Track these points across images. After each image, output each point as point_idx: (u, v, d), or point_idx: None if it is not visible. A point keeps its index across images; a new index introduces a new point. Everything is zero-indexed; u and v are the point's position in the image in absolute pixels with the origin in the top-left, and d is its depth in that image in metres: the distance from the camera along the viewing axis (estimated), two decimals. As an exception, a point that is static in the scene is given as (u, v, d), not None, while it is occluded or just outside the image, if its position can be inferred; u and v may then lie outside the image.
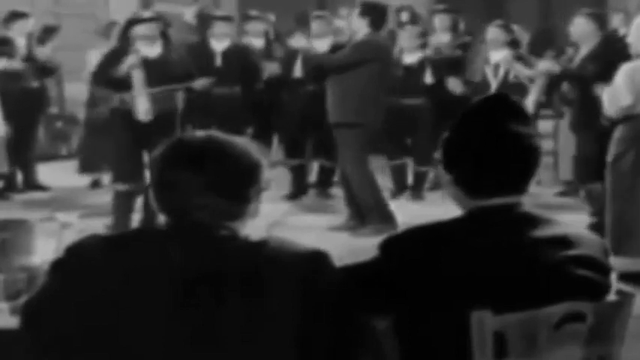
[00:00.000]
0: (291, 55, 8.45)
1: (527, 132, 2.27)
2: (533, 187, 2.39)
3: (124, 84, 6.71)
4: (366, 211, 7.10)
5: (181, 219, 2.11)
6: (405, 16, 9.69)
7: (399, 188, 8.50)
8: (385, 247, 2.26)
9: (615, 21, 10.42)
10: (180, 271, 2.03)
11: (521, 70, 7.74)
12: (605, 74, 6.05)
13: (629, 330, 2.32)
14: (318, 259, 2.12)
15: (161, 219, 2.16)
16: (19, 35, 8.44)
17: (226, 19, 8.52)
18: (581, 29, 6.94)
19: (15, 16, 8.55)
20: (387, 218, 6.99)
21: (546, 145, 8.02)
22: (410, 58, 8.34)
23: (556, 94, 7.60)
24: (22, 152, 8.63)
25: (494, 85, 7.77)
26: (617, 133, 5.73)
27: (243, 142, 2.20)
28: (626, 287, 2.34)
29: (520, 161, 2.27)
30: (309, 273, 2.08)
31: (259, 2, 10.31)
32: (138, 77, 6.73)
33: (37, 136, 9.17)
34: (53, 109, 10.39)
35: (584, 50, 6.92)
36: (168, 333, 2.00)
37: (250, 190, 2.15)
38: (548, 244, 2.22)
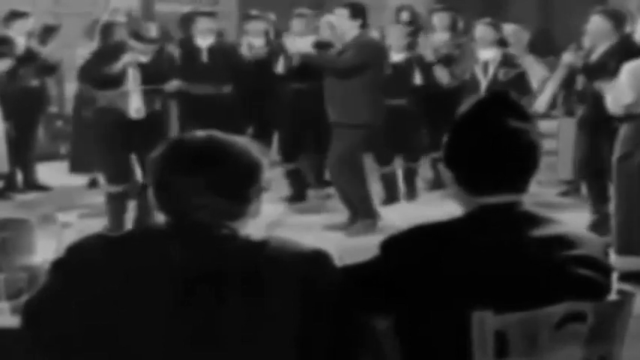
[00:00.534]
0: (273, 52, 8.40)
1: (527, 128, 2.27)
2: (533, 187, 2.38)
3: (113, 82, 6.67)
4: (359, 204, 7.15)
5: (182, 219, 2.11)
6: (405, 16, 9.69)
7: (390, 198, 8.27)
8: (386, 246, 2.26)
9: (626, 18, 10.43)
10: (181, 271, 2.03)
11: (539, 71, 7.68)
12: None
13: (630, 330, 2.32)
14: (318, 258, 2.12)
15: (155, 218, 2.16)
16: (18, 35, 8.44)
17: (210, 14, 8.37)
18: (597, 27, 6.83)
19: (15, 15, 8.54)
20: (373, 214, 7.15)
21: (548, 144, 7.99)
22: (397, 57, 8.13)
23: (572, 90, 7.48)
24: (22, 152, 8.62)
25: (484, 84, 7.65)
26: (623, 132, 5.73)
27: (244, 141, 2.20)
28: (627, 287, 2.34)
29: (519, 157, 2.27)
30: (309, 273, 2.08)
31: (260, 2, 10.30)
32: (133, 75, 6.72)
33: (37, 136, 9.15)
34: (53, 109, 10.37)
35: (601, 48, 6.80)
36: (169, 332, 2.00)
37: (250, 190, 2.15)
38: (549, 243, 2.22)
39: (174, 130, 8.02)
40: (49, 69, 8.83)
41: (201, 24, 8.14)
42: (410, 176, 8.54)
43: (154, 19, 8.87)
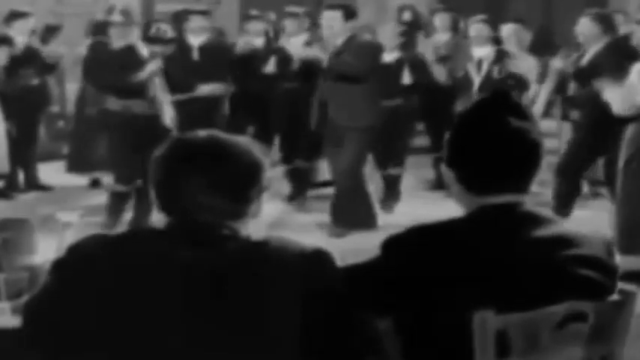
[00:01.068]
0: (266, 52, 8.34)
1: (529, 128, 2.27)
2: (535, 187, 2.38)
3: (138, 92, 6.66)
4: (345, 205, 7.12)
5: (182, 219, 2.11)
6: (407, 15, 9.69)
7: (390, 199, 8.12)
8: (386, 246, 2.26)
9: (615, 21, 10.42)
10: (182, 271, 2.03)
11: (517, 67, 7.57)
12: (617, 75, 6.05)
13: (631, 329, 2.32)
14: (319, 258, 2.12)
15: (152, 219, 2.16)
16: (19, 34, 8.45)
17: (202, 13, 8.27)
18: (585, 30, 6.83)
19: (16, 15, 8.55)
20: (370, 223, 7.11)
21: (549, 143, 7.95)
22: (389, 57, 7.84)
23: (563, 95, 7.47)
24: (23, 151, 8.62)
25: (477, 82, 7.58)
26: (629, 133, 5.72)
27: (245, 141, 2.19)
28: (629, 286, 2.33)
29: (521, 157, 2.27)
30: (310, 272, 2.08)
31: (260, 2, 10.30)
32: (159, 84, 6.70)
33: (38, 136, 9.15)
34: (54, 108, 10.36)
35: (591, 52, 6.80)
36: (169, 332, 2.00)
37: (252, 190, 2.14)
38: (551, 243, 2.22)
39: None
40: (50, 67, 8.83)
41: (194, 22, 8.04)
42: (392, 181, 8.21)
43: (154, 19, 8.83)
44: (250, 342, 2.02)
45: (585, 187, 7.81)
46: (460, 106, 7.43)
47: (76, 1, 10.96)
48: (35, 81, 8.67)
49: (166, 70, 6.89)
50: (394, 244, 2.25)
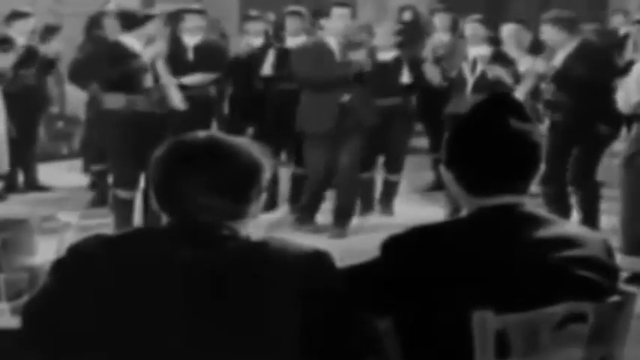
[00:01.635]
0: (261, 51, 8.31)
1: (529, 129, 2.27)
2: (534, 187, 2.38)
3: (130, 84, 6.45)
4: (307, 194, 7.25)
5: (183, 219, 2.11)
6: (407, 15, 9.69)
7: (367, 206, 7.90)
8: (387, 247, 2.26)
9: (615, 21, 10.43)
10: (182, 271, 2.03)
11: (499, 72, 7.44)
12: (591, 76, 6.08)
13: (631, 330, 2.32)
14: (319, 259, 2.12)
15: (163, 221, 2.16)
16: (19, 34, 8.44)
17: (198, 12, 8.10)
18: (550, 36, 6.66)
19: (16, 15, 8.55)
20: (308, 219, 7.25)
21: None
22: (386, 56, 7.67)
23: (540, 98, 7.34)
24: (23, 152, 8.61)
25: (470, 82, 7.47)
26: (633, 131, 5.71)
27: (245, 142, 2.19)
28: (629, 287, 2.33)
29: (521, 158, 2.27)
30: (310, 273, 2.08)
31: (260, 2, 10.30)
32: (162, 67, 6.59)
33: (38, 136, 9.15)
34: (54, 109, 10.35)
35: (561, 54, 6.62)
36: (170, 332, 2.00)
37: (252, 191, 2.14)
38: (550, 244, 2.22)
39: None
40: (49, 64, 8.81)
41: (189, 22, 7.92)
42: (389, 190, 8.02)
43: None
44: (250, 342, 2.02)
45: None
46: (452, 105, 7.40)
47: (76, 1, 10.95)
48: (35, 82, 8.66)
49: None
50: (394, 245, 2.25)
